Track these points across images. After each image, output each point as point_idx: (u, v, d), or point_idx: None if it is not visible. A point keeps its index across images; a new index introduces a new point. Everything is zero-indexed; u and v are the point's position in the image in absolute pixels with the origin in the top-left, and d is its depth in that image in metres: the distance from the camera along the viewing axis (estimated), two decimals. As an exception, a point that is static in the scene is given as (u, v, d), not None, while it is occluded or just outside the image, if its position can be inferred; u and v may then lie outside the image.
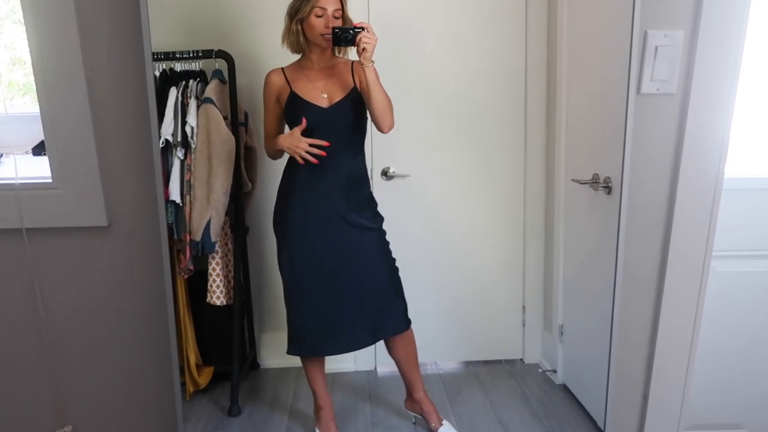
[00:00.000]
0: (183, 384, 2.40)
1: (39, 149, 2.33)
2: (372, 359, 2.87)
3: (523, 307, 2.91)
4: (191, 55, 2.29)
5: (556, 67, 2.57)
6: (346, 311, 2.20)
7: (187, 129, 2.25)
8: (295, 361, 2.32)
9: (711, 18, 1.92)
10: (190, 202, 2.29)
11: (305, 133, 2.06)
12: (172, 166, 2.27)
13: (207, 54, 2.29)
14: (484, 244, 2.84)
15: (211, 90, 2.30)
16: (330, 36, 2.01)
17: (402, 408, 2.46)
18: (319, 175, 2.11)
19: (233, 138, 2.32)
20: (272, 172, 2.37)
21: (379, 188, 2.62)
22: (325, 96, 2.11)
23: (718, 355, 2.39)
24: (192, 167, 2.27)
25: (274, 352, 2.82)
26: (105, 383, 2.15)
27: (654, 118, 2.02)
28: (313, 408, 2.37)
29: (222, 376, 2.55)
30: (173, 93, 2.25)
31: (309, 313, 2.20)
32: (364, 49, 1.96)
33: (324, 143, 2.04)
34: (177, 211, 2.30)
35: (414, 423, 2.41)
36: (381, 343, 2.33)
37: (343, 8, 2.06)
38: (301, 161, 2.05)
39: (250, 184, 2.57)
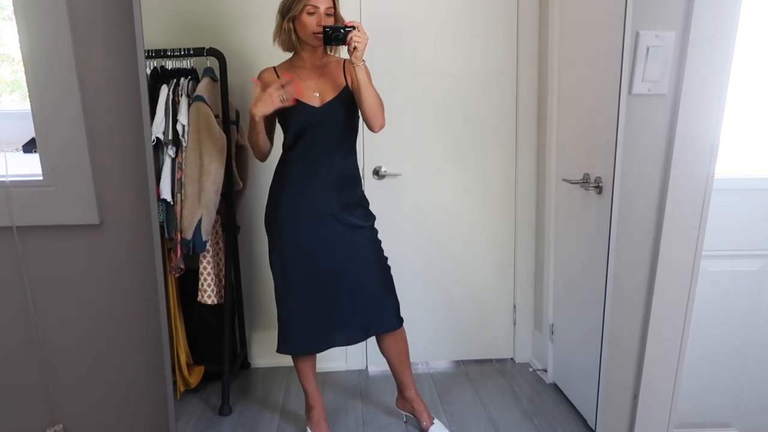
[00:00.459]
0: (174, 383, 2.38)
1: (29, 146, 2.31)
2: (363, 358, 2.87)
3: (514, 307, 2.91)
4: (182, 52, 2.28)
5: (547, 68, 2.58)
6: (338, 310, 2.20)
7: (178, 127, 2.24)
8: (286, 360, 2.31)
9: (702, 19, 1.93)
10: (181, 200, 2.28)
11: (297, 135, 2.07)
12: (163, 165, 2.26)
13: (198, 52, 2.29)
14: (476, 243, 2.85)
15: (203, 88, 2.29)
16: (321, 34, 2.01)
17: (393, 407, 2.46)
18: (310, 174, 2.11)
19: (224, 136, 2.31)
20: (263, 171, 2.36)
21: (370, 187, 2.62)
22: (317, 95, 2.11)
23: (708, 353, 2.41)
24: (183, 165, 2.27)
25: (265, 351, 2.81)
26: (96, 382, 2.14)
27: (645, 118, 2.03)
28: (305, 407, 2.36)
29: (213, 376, 2.55)
30: (164, 91, 2.24)
31: (300, 311, 2.19)
32: (355, 48, 1.96)
33: (294, 81, 2.01)
34: (168, 209, 2.29)
35: (405, 422, 2.41)
36: (372, 342, 2.34)
37: (335, 6, 2.06)
38: (279, 104, 1.96)
39: (241, 183, 2.56)
